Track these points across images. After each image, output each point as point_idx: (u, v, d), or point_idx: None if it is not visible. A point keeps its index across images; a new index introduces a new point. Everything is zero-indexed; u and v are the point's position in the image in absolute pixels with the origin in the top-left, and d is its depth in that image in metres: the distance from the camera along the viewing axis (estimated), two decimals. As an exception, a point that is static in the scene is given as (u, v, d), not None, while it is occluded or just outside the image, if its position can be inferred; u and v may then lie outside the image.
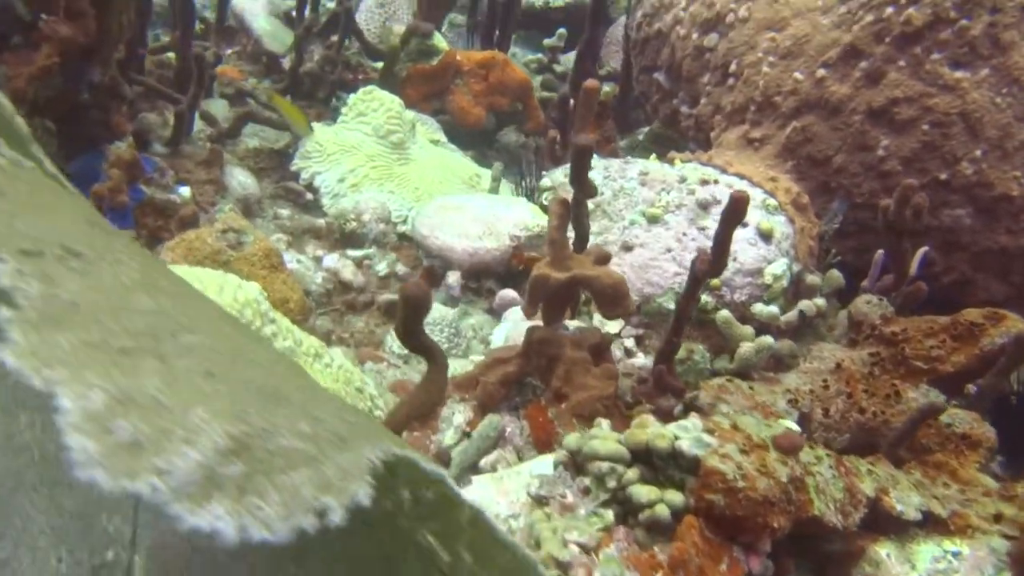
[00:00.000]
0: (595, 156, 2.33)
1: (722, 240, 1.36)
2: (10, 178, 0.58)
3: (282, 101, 2.11)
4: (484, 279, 1.86)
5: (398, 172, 2.27)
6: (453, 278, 1.82)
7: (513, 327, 1.64)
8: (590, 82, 2.22)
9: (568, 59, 3.53)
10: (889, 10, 1.93)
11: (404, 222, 2.13)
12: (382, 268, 1.93)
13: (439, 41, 2.71)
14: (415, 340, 1.19)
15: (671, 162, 2.22)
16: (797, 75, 2.07)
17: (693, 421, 1.17)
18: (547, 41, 3.59)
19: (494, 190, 2.37)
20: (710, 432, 1.15)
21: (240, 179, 2.04)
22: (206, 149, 2.02)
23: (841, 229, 2.10)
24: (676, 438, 1.13)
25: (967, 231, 1.98)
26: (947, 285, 2.03)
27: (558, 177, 2.25)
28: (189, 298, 0.60)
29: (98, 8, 1.55)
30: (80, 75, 1.63)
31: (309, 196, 2.19)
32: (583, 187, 1.46)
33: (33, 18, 1.56)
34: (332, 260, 1.88)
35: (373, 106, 2.31)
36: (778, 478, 1.08)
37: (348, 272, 1.83)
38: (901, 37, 1.93)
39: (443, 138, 2.69)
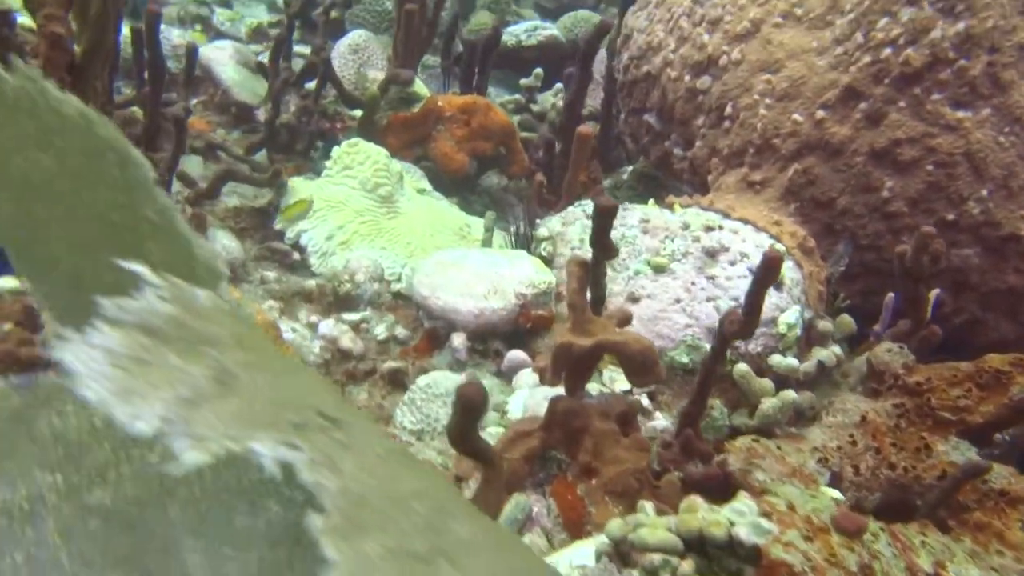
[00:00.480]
0: (589, 202, 2.27)
1: (755, 301, 1.30)
2: (245, 330, 0.51)
3: (292, 210, 2.03)
4: (491, 340, 1.77)
5: (388, 227, 2.18)
6: (459, 341, 1.73)
7: (530, 395, 1.56)
8: (584, 129, 2.17)
9: (546, 98, 3.50)
10: (887, 51, 1.91)
11: (398, 280, 2.04)
12: (380, 332, 1.83)
13: (420, 88, 2.65)
14: (470, 444, 1.09)
15: (671, 207, 2.17)
16: (796, 117, 2.03)
17: (747, 503, 1.09)
18: (524, 81, 3.55)
19: (487, 241, 2.29)
20: (767, 515, 1.07)
21: (224, 243, 1.93)
22: (187, 214, 1.91)
23: (847, 272, 2.06)
24: (732, 524, 1.05)
25: (976, 271, 1.95)
26: (957, 326, 2.00)
27: (555, 226, 2.18)
28: (418, 464, 0.61)
29: (75, 77, 1.45)
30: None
31: (296, 256, 2.09)
32: (606, 249, 1.39)
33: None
34: (328, 327, 1.78)
35: (359, 159, 2.22)
36: (848, 567, 1.00)
37: (347, 340, 1.73)
38: (900, 78, 1.91)
39: (428, 186, 2.61)
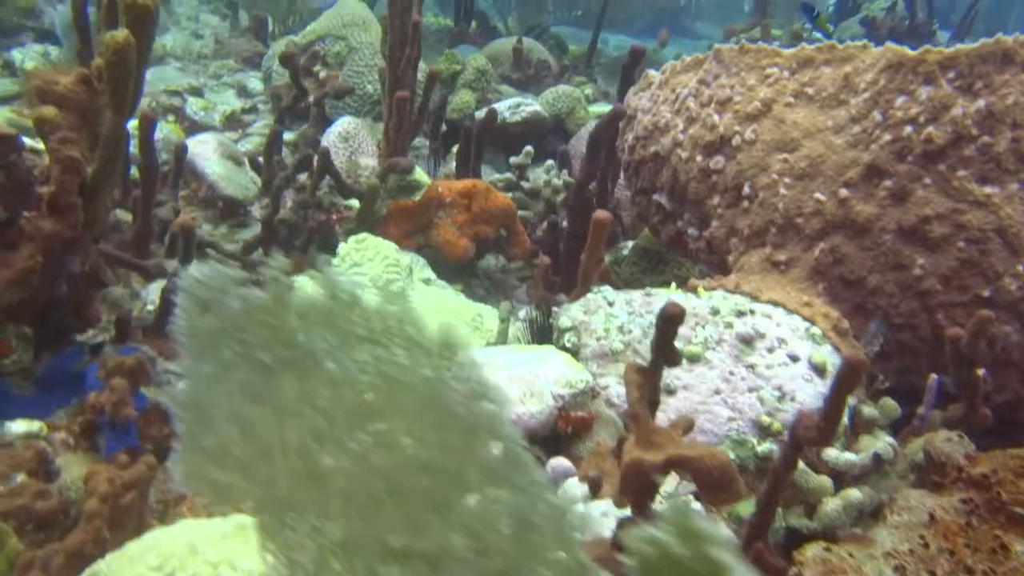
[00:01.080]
0: (609, 288, 2.20)
1: (835, 408, 1.22)
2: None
3: None
4: (529, 447, 1.66)
5: (402, 323, 2.07)
6: (496, 450, 1.61)
7: (585, 511, 1.44)
8: (603, 214, 2.11)
9: (536, 176, 3.45)
10: (908, 129, 1.90)
11: (418, 381, 1.93)
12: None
13: (420, 175, 2.58)
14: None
15: (694, 291, 2.11)
16: (818, 196, 2.00)
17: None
18: (514, 159, 3.50)
19: (503, 333, 2.20)
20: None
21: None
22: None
23: (881, 351, 2.00)
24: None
25: (1016, 348, 1.90)
26: (1000, 404, 1.94)
27: (577, 315, 2.09)
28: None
29: (87, 199, 1.35)
30: (60, 269, 1.40)
31: (307, 359, 1.97)
32: (670, 358, 1.30)
33: (11, 215, 1.34)
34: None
35: (368, 255, 2.13)
36: None
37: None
38: (923, 155, 1.89)
39: (432, 275, 2.52)
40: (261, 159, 2.70)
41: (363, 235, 2.20)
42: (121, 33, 1.33)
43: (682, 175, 2.28)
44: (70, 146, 1.30)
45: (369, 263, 2.12)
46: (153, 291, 1.97)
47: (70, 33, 3.64)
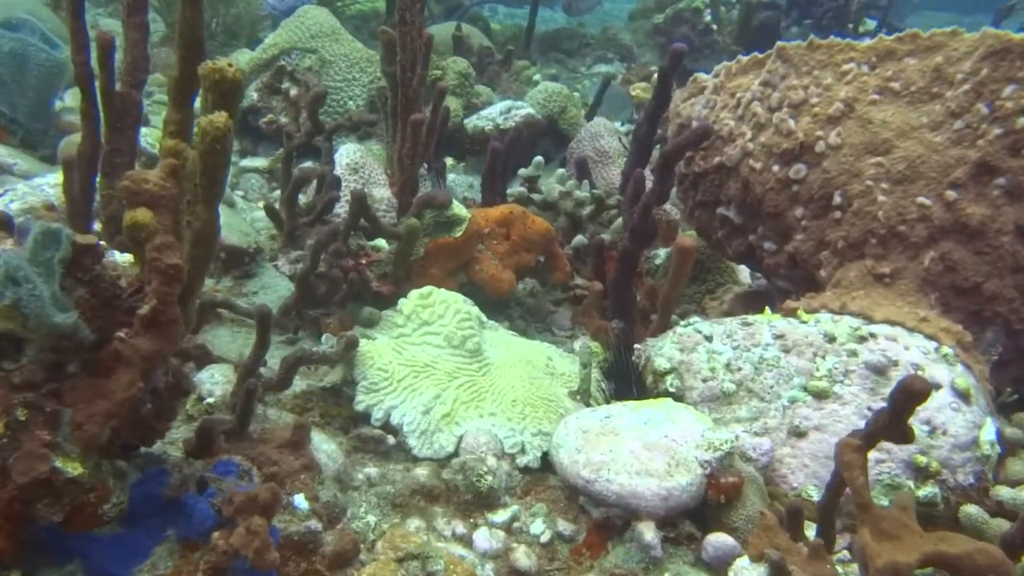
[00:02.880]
0: (698, 320, 2.02)
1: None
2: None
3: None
4: (680, 524, 1.47)
5: (485, 385, 1.85)
6: (651, 535, 1.42)
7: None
8: (687, 240, 1.93)
9: (550, 188, 3.24)
10: (1022, 120, 1.76)
11: (522, 451, 1.72)
12: (539, 529, 1.51)
13: (457, 208, 2.34)
14: None
15: (793, 314, 1.95)
16: (922, 200, 1.85)
17: None
18: (523, 171, 3.30)
19: (586, 380, 2.00)
20: None
21: (325, 449, 1.56)
22: (280, 423, 1.54)
23: (999, 359, 1.88)
24: None
25: None
26: None
27: (672, 353, 1.91)
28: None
29: (181, 302, 1.10)
30: (149, 385, 1.15)
31: (391, 440, 1.73)
32: (901, 433, 1.13)
33: (99, 336, 1.08)
34: (486, 540, 1.44)
35: (438, 311, 1.90)
36: None
37: (521, 555, 1.40)
38: (1039, 148, 1.76)
39: (483, 316, 2.30)
40: (277, 205, 2.41)
41: (427, 290, 1.97)
42: (220, 117, 1.08)
43: (756, 187, 2.11)
44: (169, 252, 1.05)
45: (440, 320, 1.89)
46: (207, 380, 1.71)
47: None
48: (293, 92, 3.68)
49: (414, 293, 1.95)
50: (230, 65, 1.13)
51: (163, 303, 1.10)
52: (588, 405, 2.02)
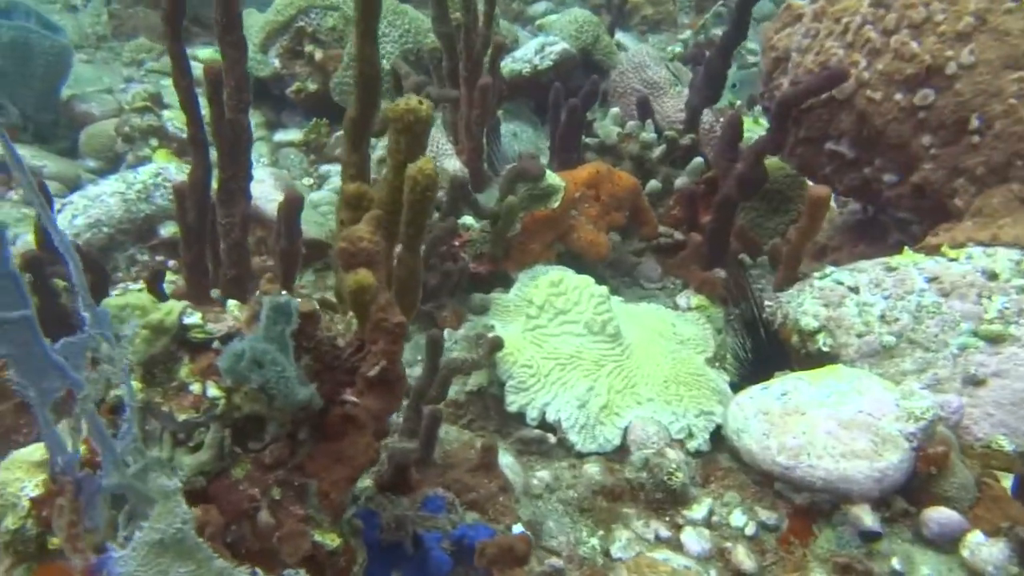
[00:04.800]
0: (834, 270, 1.93)
1: None
2: None
3: None
4: (893, 501, 1.42)
5: (633, 368, 1.78)
6: (869, 519, 1.36)
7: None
8: (822, 190, 1.82)
9: (607, 130, 3.09)
10: None
11: (690, 436, 1.65)
12: (741, 521, 1.45)
13: (552, 178, 2.21)
14: None
15: (936, 251, 1.85)
16: (1073, 117, 1.74)
17: None
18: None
19: (723, 347, 1.92)
20: None
21: (505, 463, 1.50)
22: (460, 441, 1.47)
23: None
24: None
25: None
26: None
27: (815, 309, 1.82)
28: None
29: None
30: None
31: (551, 439, 1.67)
32: None
33: (326, 403, 1.01)
34: (698, 541, 1.39)
35: (573, 298, 1.80)
36: None
37: (743, 556, 1.35)
38: None
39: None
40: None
41: (557, 276, 1.86)
42: (428, 165, 0.97)
43: (875, 118, 1.98)
44: (393, 311, 0.97)
45: (576, 308, 1.79)
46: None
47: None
48: (318, 56, 3.48)
49: (543, 281, 1.85)
50: (420, 103, 1.01)
51: (391, 362, 1.02)
52: (725, 370, 1.95)
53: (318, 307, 1.00)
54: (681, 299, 2.37)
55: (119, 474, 0.81)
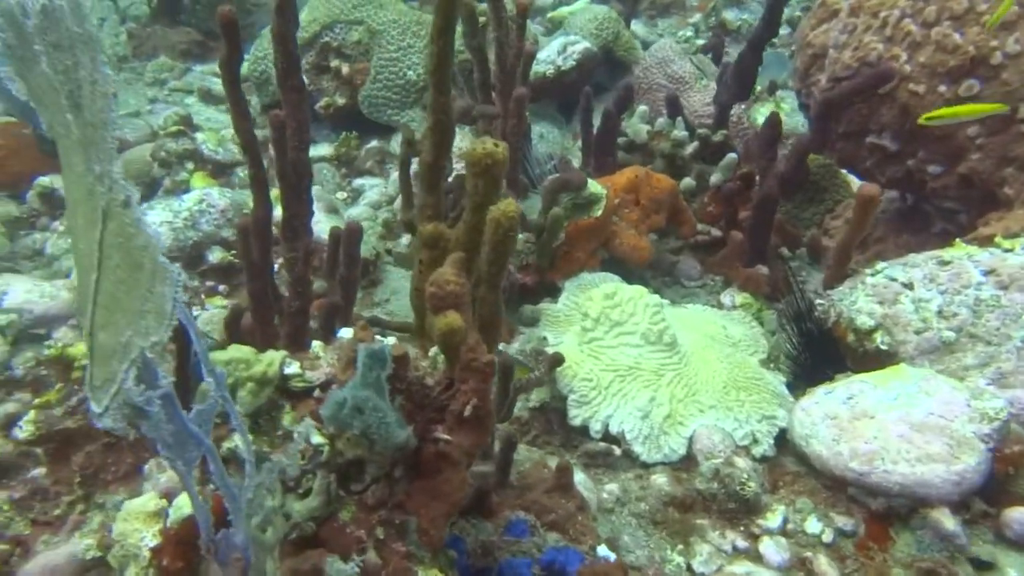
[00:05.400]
0: (886, 265, 1.93)
1: None
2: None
3: None
4: (971, 503, 1.43)
5: (691, 376, 1.79)
6: (951, 523, 1.38)
7: None
8: (872, 189, 1.82)
9: (636, 128, 3.09)
10: None
11: (755, 442, 1.67)
12: (817, 527, 1.47)
13: (594, 187, 2.22)
14: None
15: (989, 242, 1.85)
16: (1123, 103, 1.73)
17: None
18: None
19: (777, 347, 1.94)
20: None
21: (576, 478, 1.52)
22: (530, 461, 1.49)
23: None
24: None
25: None
26: None
27: (870, 307, 1.83)
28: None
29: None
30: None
31: (617, 451, 1.69)
32: None
33: (419, 440, 1.04)
34: (777, 551, 1.40)
35: (628, 309, 1.82)
36: None
37: (825, 566, 1.37)
38: None
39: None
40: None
41: (611, 287, 1.88)
42: (510, 206, 0.99)
43: (919, 110, 1.97)
44: (481, 350, 1.00)
45: (632, 319, 1.81)
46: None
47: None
48: (345, 70, 3.50)
49: (597, 294, 1.86)
50: (497, 145, 1.03)
51: (481, 400, 1.04)
52: (780, 370, 1.97)
53: (408, 350, 1.02)
54: (725, 297, 2.38)
55: (247, 527, 0.84)
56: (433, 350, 1.18)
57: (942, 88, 1.92)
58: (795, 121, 3.28)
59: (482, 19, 3.82)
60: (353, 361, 1.02)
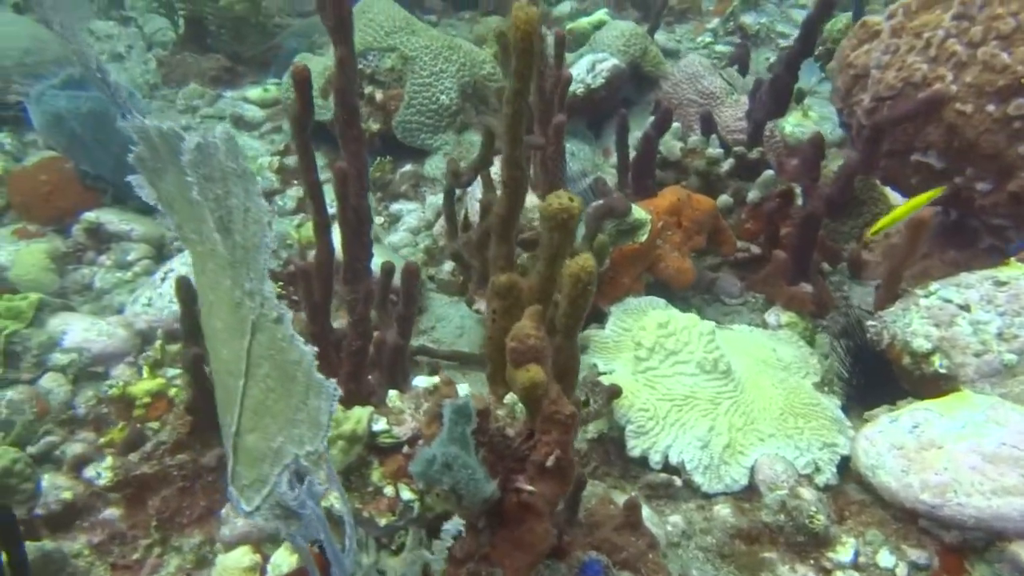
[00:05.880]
0: (940, 287, 1.93)
1: None
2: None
3: None
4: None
5: (748, 403, 1.80)
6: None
7: None
8: (926, 213, 1.82)
9: (670, 145, 3.10)
10: None
11: (817, 470, 1.67)
12: (889, 563, 1.47)
13: (637, 212, 2.23)
14: None
15: (1044, 263, 1.84)
16: None
17: None
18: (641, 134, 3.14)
19: (830, 371, 1.93)
20: None
21: (645, 515, 1.52)
22: (595, 496, 1.50)
23: None
24: None
25: None
26: None
27: (926, 330, 1.82)
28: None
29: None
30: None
31: (678, 481, 1.69)
32: None
33: (501, 491, 1.05)
34: (849, 587, 1.41)
35: (683, 338, 1.83)
36: None
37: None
38: None
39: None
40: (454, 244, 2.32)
41: (664, 318, 1.89)
42: (588, 262, 1.01)
43: (966, 130, 1.97)
44: (563, 403, 1.02)
45: (687, 348, 1.82)
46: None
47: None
48: (379, 96, 3.53)
49: (650, 324, 1.87)
50: (571, 199, 1.05)
51: (564, 451, 1.06)
52: (834, 393, 1.96)
53: (488, 404, 1.03)
54: (771, 317, 2.38)
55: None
56: (510, 397, 1.20)
57: (990, 108, 1.92)
58: (824, 129, 3.27)
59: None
60: (438, 416, 1.04)
